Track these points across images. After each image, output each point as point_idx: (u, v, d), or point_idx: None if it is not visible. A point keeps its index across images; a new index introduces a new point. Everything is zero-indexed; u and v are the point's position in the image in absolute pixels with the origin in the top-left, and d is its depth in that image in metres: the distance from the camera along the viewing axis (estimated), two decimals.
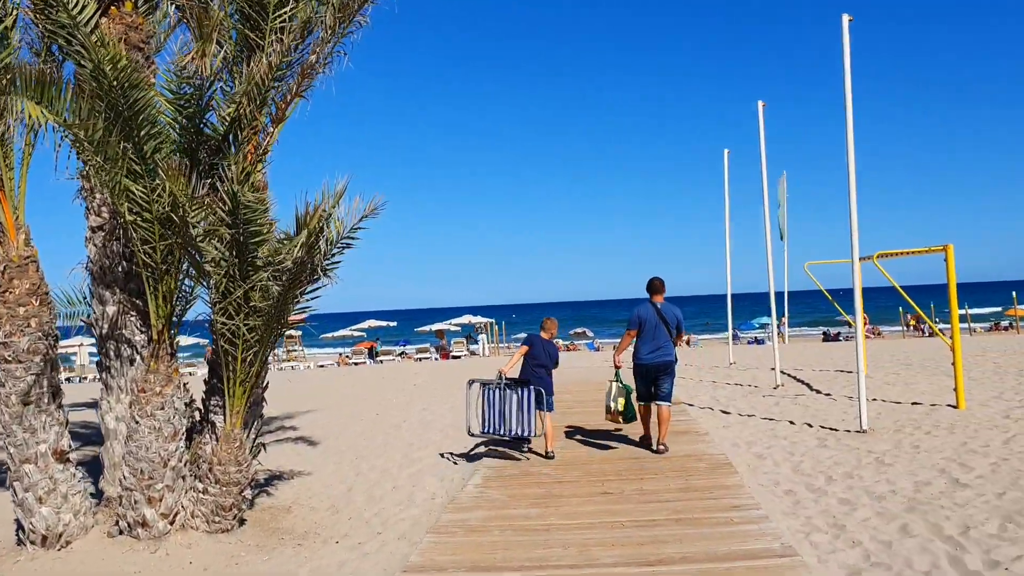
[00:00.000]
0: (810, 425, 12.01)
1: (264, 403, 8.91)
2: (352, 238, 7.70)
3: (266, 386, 8.77)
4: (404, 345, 47.33)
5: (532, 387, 10.27)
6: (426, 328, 48.73)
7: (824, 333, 48.09)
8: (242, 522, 8.22)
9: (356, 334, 47.78)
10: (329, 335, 46.94)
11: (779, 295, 39.37)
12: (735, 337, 47.07)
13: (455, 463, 10.74)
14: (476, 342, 43.94)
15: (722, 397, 15.56)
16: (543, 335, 10.62)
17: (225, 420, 8.01)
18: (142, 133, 7.04)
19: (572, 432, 12.07)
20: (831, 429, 11.58)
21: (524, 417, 10.30)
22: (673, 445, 10.58)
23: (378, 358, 42.47)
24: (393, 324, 48.64)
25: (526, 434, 10.33)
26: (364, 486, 9.91)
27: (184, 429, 7.93)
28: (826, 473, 9.09)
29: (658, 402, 10.20)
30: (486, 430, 10.64)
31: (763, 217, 17.48)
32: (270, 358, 8.43)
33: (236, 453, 7.89)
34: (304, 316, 8.06)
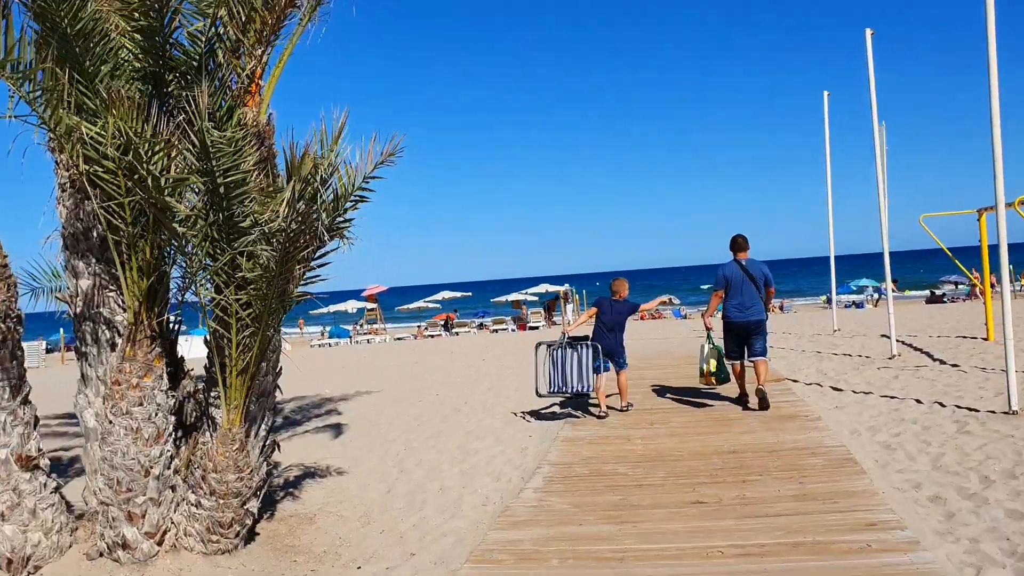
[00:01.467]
0: (942, 404, 9.95)
1: (278, 391, 7.41)
2: (366, 189, 6.10)
3: (279, 372, 7.27)
4: (483, 316, 45.98)
5: (590, 344, 10.55)
6: (502, 299, 47.22)
7: (931, 293, 44.76)
8: (250, 538, 6.76)
9: (431, 306, 46.64)
10: (405, 307, 45.90)
11: (881, 255, 36.85)
12: (830, 302, 44.35)
13: (514, 458, 9.11)
14: (558, 311, 42.05)
15: (830, 370, 13.52)
16: (613, 297, 10.82)
17: (222, 417, 6.52)
18: (89, 55, 5.50)
19: (655, 420, 10.28)
20: (970, 410, 9.51)
21: (583, 374, 10.52)
22: (781, 433, 8.74)
23: (454, 330, 41.21)
24: (468, 295, 47.27)
25: (584, 390, 10.59)
26: (406, 487, 8.36)
27: (170, 429, 6.46)
28: (979, 471, 7.12)
29: (754, 359, 10.18)
30: (552, 389, 10.82)
31: (874, 163, 15.24)
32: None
33: (235, 457, 6.40)
34: (308, 292, 6.47)
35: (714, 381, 10.66)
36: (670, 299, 52.67)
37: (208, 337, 6.60)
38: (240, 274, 5.98)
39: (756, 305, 9.99)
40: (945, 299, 41.19)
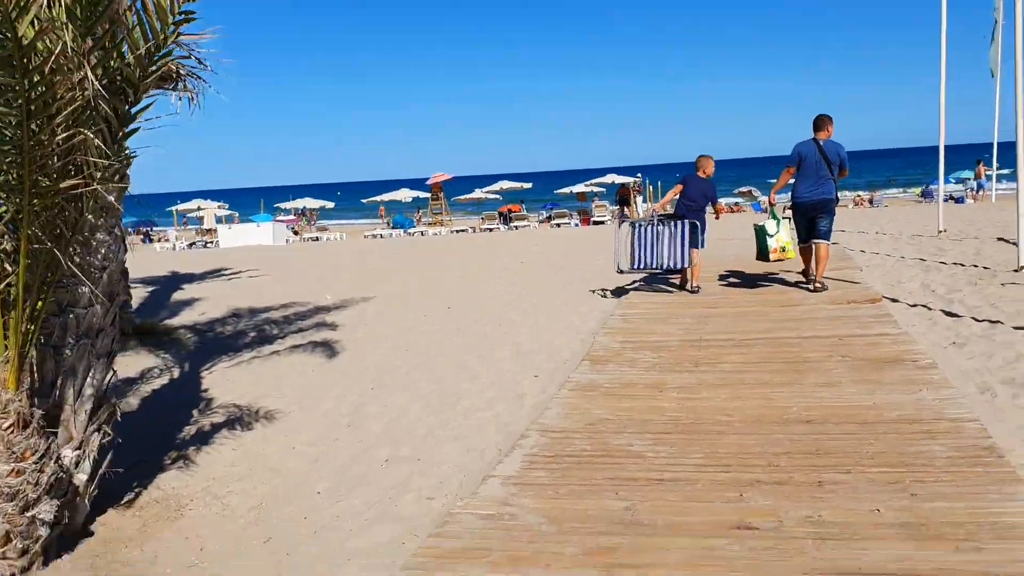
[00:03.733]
0: None
1: (114, 347, 5.08)
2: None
3: (124, 298, 4.91)
4: (551, 208, 43.14)
5: (686, 220, 10.41)
6: (566, 190, 44.11)
7: None
8: (69, 546, 4.56)
9: (490, 197, 43.86)
10: (462, 197, 43.33)
11: (986, 145, 32.53)
12: (927, 195, 40.05)
13: (504, 412, 6.69)
14: (627, 203, 38.78)
15: (940, 287, 10.61)
16: (699, 174, 10.66)
17: None
18: None
19: (702, 359, 7.67)
20: None
21: (677, 249, 10.44)
22: (879, 389, 6.09)
23: (513, 223, 38.56)
24: (528, 186, 44.18)
25: (679, 265, 10.54)
26: (344, 454, 6.06)
27: None
28: None
29: (816, 240, 9.98)
30: (636, 266, 10.80)
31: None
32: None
33: (10, 442, 4.12)
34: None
35: (784, 256, 10.79)
36: (750, 191, 48.97)
37: None
38: None
39: (828, 184, 9.78)
40: None
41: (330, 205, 48.37)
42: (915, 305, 9.52)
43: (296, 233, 40.37)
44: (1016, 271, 11.16)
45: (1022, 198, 11.22)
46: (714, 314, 9.28)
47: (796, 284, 10.57)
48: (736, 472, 4.76)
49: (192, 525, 4.97)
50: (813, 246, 10.04)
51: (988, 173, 37.16)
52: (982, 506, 4.10)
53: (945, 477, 4.48)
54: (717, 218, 11.59)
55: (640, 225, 10.77)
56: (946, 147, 17.54)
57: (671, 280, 11.41)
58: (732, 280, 11.55)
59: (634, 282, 11.84)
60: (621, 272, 11.32)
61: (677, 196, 10.83)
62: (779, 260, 10.98)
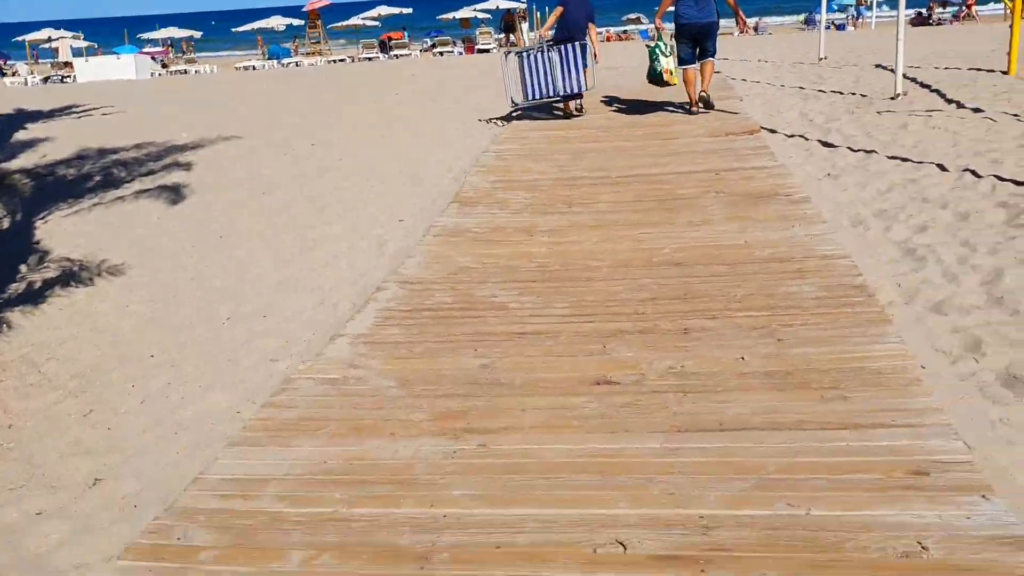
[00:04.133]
0: (976, 174, 7.08)
1: None
2: None
3: None
4: (435, 36, 41.07)
5: (575, 42, 10.19)
6: (449, 16, 42.02)
7: (917, 14, 40.52)
8: None
9: (368, 23, 41.30)
10: (338, 24, 40.73)
11: None
12: (810, 22, 39.88)
13: (361, 261, 6.22)
14: (513, 31, 37.29)
15: (818, 115, 10.42)
16: None
17: None
18: None
19: (575, 199, 7.31)
20: (1017, 183, 6.68)
21: (572, 74, 10.24)
22: (750, 226, 5.88)
23: (392, 52, 36.70)
24: (408, 11, 41.77)
25: (576, 89, 10.36)
26: (183, 312, 5.53)
27: None
28: None
29: (705, 60, 10.01)
30: (532, 96, 10.50)
31: None
32: None
33: None
34: None
35: (674, 80, 10.52)
36: (638, 17, 47.84)
37: None
38: None
39: (710, 6, 9.81)
40: (931, 21, 37.13)
41: (197, 35, 44.87)
42: (793, 135, 9.34)
43: (165, 66, 37.50)
44: (892, 99, 11.11)
45: (901, 25, 11.01)
46: (591, 149, 8.89)
47: (683, 108, 10.42)
48: (600, 322, 4.49)
49: (1, 399, 4.43)
50: (700, 65, 10.03)
51: (868, 1, 37.30)
52: (848, 350, 3.95)
53: (812, 320, 4.32)
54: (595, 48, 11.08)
55: (529, 54, 10.38)
56: None
57: (555, 110, 11.03)
58: (617, 107, 11.18)
59: (516, 109, 11.29)
60: (515, 105, 11.01)
61: (558, 19, 10.47)
62: (668, 84, 10.78)
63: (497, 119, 11.08)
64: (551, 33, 10.75)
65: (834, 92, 12.15)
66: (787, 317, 4.36)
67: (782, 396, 3.60)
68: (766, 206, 6.31)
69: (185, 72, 36.10)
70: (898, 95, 11.09)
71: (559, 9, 10.41)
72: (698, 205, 6.49)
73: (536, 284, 5.14)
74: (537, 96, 10.44)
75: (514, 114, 11.23)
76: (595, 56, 10.75)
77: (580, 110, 10.78)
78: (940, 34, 25.09)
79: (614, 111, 11.02)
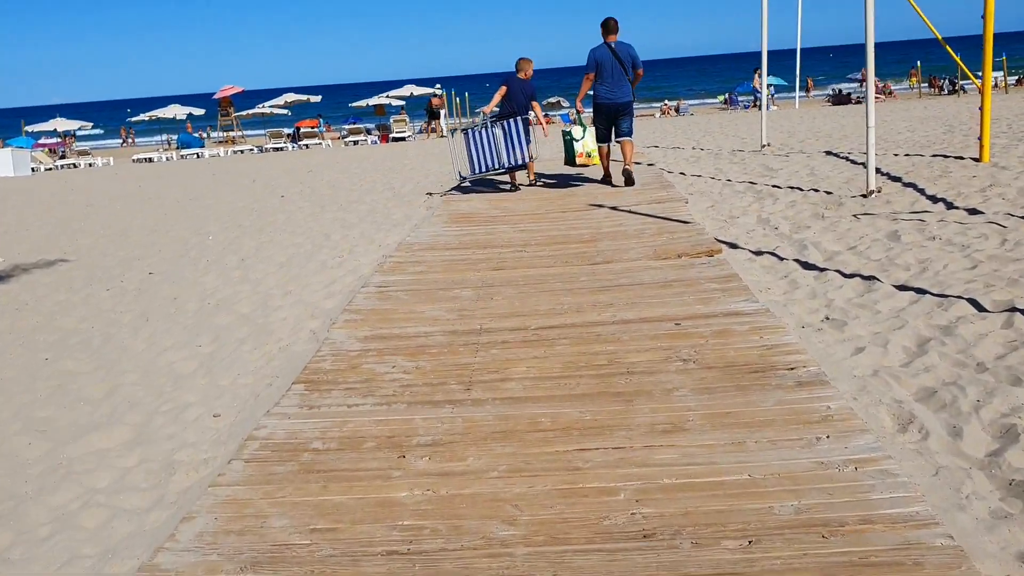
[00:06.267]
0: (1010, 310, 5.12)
1: None
2: None
3: None
4: (354, 123, 38.99)
5: (518, 117, 10.88)
6: (362, 103, 40.20)
7: (835, 92, 40.18)
8: None
9: (276, 111, 39.22)
10: (244, 113, 38.50)
11: (791, 52, 31.58)
12: (732, 102, 39.13)
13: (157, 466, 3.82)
14: (436, 117, 35.13)
15: (781, 221, 8.47)
16: (520, 75, 10.94)
17: None
18: None
19: (461, 402, 5.09)
20: None
21: (516, 147, 10.91)
22: (755, 447, 3.69)
23: (302, 142, 34.48)
24: (316, 99, 39.83)
25: (521, 161, 11.05)
26: None
27: None
28: None
29: (622, 139, 10.35)
30: (478, 170, 11.15)
31: None
32: None
33: None
34: None
35: (589, 161, 11.29)
36: (559, 101, 46.82)
37: None
38: None
39: (625, 87, 10.14)
40: (852, 99, 36.72)
41: (89, 125, 42.14)
42: (760, 252, 7.35)
43: (64, 157, 34.71)
44: (865, 196, 9.30)
45: (871, 109, 9.26)
46: (502, 280, 6.71)
47: (614, 208, 9.39)
48: None
49: None
50: (620, 144, 10.44)
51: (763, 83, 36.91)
52: None
53: None
54: (542, 126, 11.77)
55: (474, 130, 11.11)
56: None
57: (503, 184, 11.50)
58: (538, 202, 9.45)
59: (463, 180, 11.94)
60: (463, 179, 11.67)
61: (503, 97, 11.01)
62: (584, 165, 11.58)
63: (389, 235, 8.89)
64: (497, 109, 11.20)
65: (792, 188, 10.33)
66: None
67: None
68: (763, 395, 4.13)
69: (75, 166, 33.39)
70: (871, 192, 9.30)
71: (503, 88, 11.01)
72: (660, 389, 4.29)
73: None
74: (483, 169, 11.17)
75: (466, 182, 11.82)
76: (544, 130, 11.83)
77: (533, 180, 11.50)
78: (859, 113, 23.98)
79: (531, 213, 8.96)
